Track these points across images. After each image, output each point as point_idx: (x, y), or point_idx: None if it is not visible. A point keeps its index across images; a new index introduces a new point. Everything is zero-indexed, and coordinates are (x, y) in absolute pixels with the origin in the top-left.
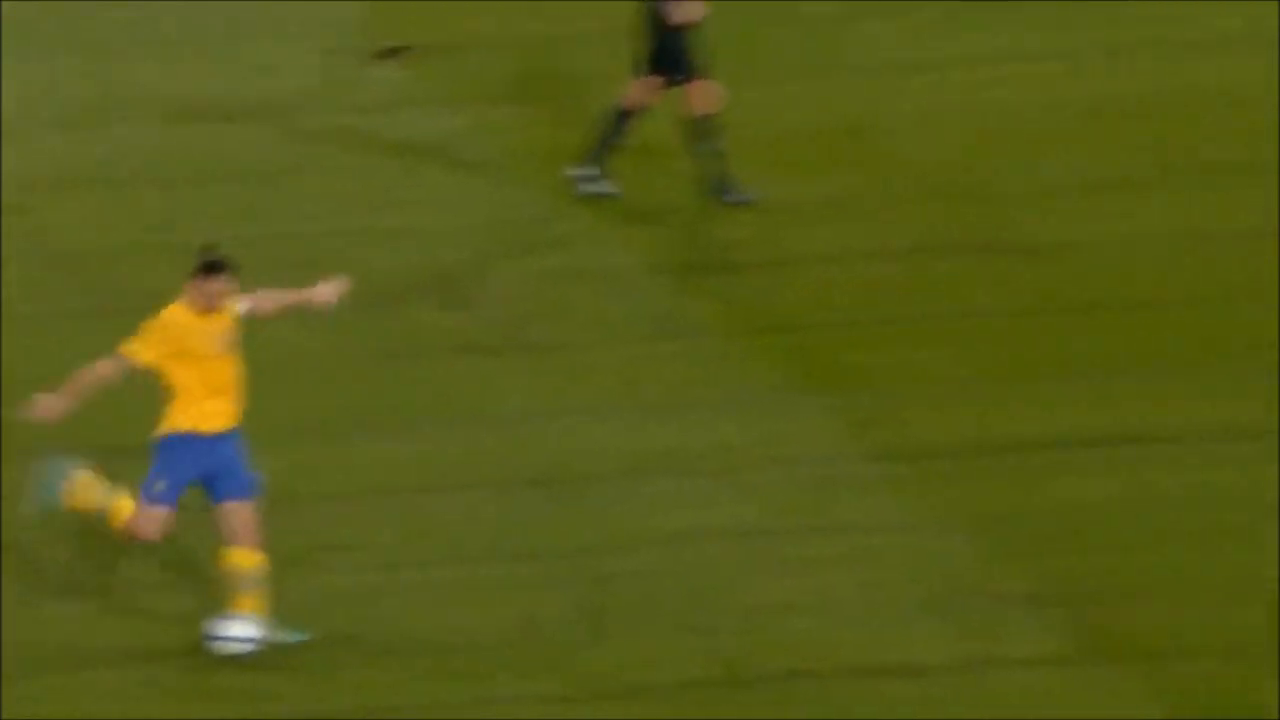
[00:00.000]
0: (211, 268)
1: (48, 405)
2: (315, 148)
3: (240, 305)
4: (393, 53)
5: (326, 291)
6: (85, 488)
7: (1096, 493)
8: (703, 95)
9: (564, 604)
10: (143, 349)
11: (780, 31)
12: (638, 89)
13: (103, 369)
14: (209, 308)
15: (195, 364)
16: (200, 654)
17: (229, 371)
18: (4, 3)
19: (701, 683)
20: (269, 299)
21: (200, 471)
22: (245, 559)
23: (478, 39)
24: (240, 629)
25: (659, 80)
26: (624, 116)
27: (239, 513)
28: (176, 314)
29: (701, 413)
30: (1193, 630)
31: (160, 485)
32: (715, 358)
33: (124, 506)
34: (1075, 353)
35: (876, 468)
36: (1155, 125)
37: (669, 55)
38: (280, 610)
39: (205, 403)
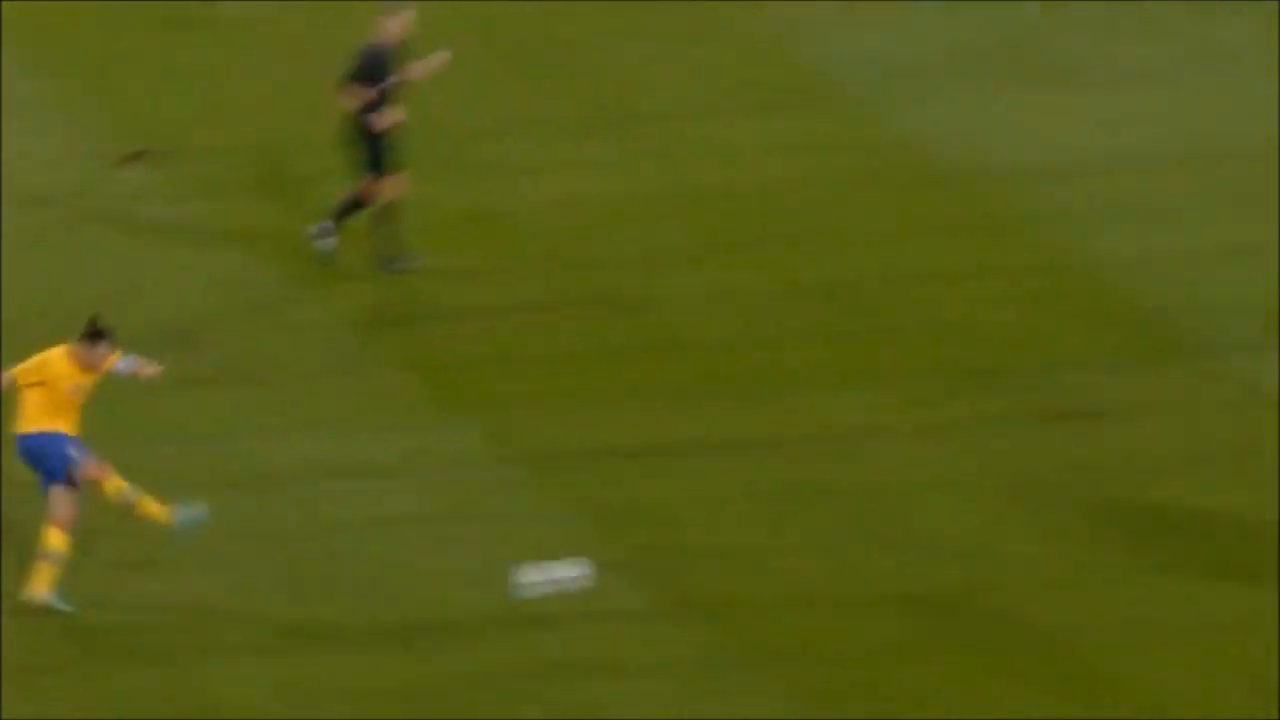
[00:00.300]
0: (97, 335)
1: None
2: (82, 227)
3: (122, 364)
4: (136, 157)
5: (150, 370)
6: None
7: (679, 486)
8: (392, 186)
9: (269, 576)
10: (21, 376)
11: (433, 141)
12: (369, 184)
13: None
14: (90, 366)
15: (51, 396)
16: None
17: (74, 405)
18: None
19: (379, 631)
20: (135, 365)
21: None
22: (58, 538)
23: (210, 145)
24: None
25: (375, 176)
26: (355, 204)
27: (63, 499)
28: (58, 359)
29: (380, 430)
30: (753, 588)
31: (72, 452)
32: (391, 387)
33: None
34: (661, 381)
35: (513, 469)
36: (708, 210)
37: (373, 155)
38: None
39: (49, 418)
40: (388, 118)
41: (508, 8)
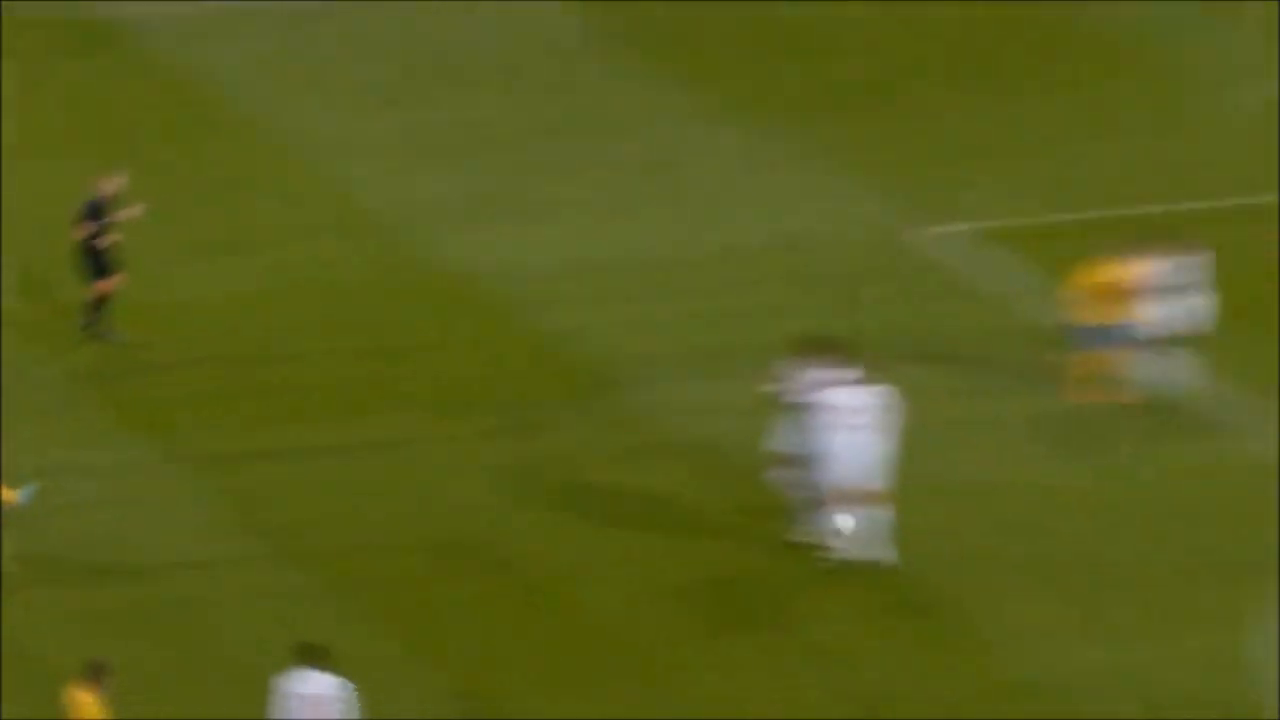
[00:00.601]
0: None
1: None
2: None
3: None
4: None
5: None
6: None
7: (296, 477)
8: (109, 285)
9: (15, 540)
10: None
11: (132, 257)
12: (97, 286)
13: None
14: None
15: None
16: None
17: None
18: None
19: (89, 573)
20: None
21: None
22: None
23: None
24: None
25: (99, 279)
26: (101, 301)
27: None
28: None
29: (93, 446)
30: (342, 542)
31: None
32: (102, 417)
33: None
34: (282, 411)
35: (180, 468)
36: (309, 303)
37: (97, 266)
38: None
39: None
40: (105, 241)
41: (182, 176)
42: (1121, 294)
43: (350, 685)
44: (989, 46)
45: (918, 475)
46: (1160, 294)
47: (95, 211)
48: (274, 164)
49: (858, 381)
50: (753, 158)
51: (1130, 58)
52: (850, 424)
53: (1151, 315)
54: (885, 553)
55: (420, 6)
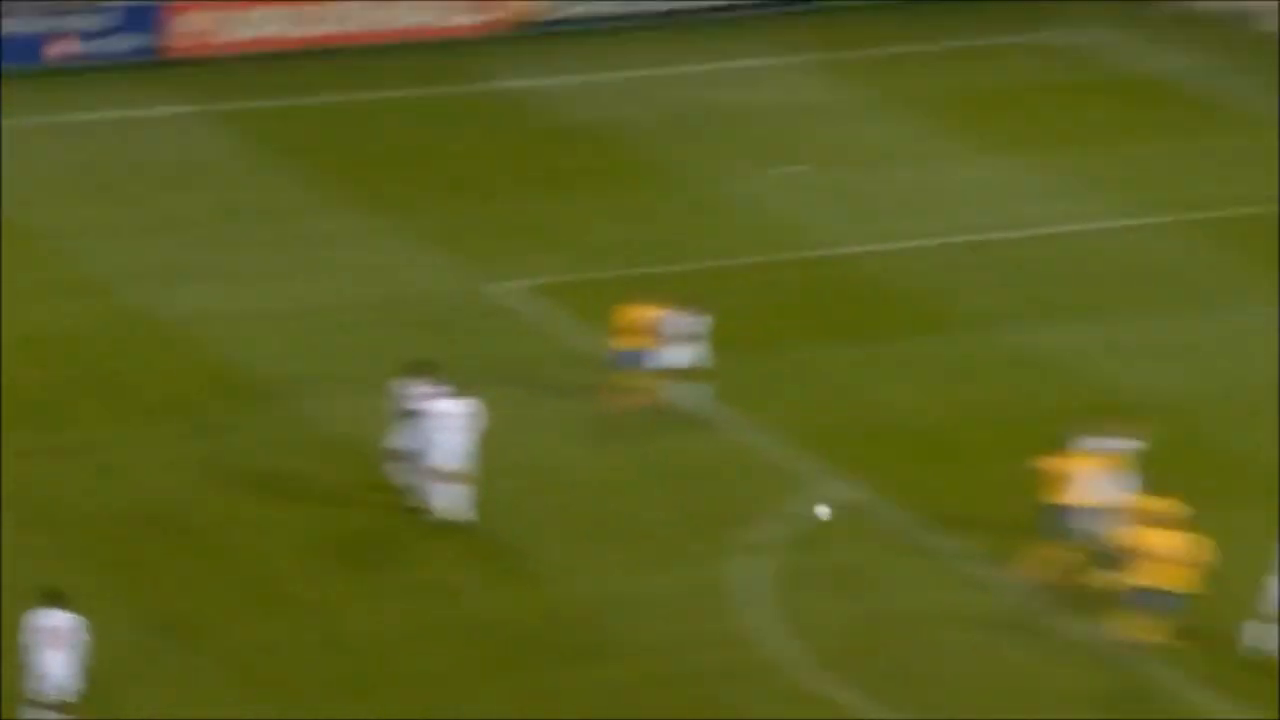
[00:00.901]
0: None
1: None
2: None
3: None
4: None
5: None
6: None
7: (60, 474)
8: None
9: None
10: None
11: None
12: None
13: None
14: None
15: None
16: None
17: None
18: None
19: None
20: None
21: None
22: None
23: None
24: None
25: None
26: None
27: None
28: None
29: None
30: (97, 518)
31: None
32: None
33: None
34: (58, 425)
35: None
36: (63, 345)
37: None
38: None
39: None
40: None
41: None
42: (647, 331)
43: (81, 618)
44: (547, 157)
45: (494, 460)
46: (676, 331)
47: None
48: (23, 244)
49: (452, 394)
50: (371, 234)
51: (648, 166)
52: (446, 425)
53: (669, 347)
54: (469, 514)
55: (133, 126)
